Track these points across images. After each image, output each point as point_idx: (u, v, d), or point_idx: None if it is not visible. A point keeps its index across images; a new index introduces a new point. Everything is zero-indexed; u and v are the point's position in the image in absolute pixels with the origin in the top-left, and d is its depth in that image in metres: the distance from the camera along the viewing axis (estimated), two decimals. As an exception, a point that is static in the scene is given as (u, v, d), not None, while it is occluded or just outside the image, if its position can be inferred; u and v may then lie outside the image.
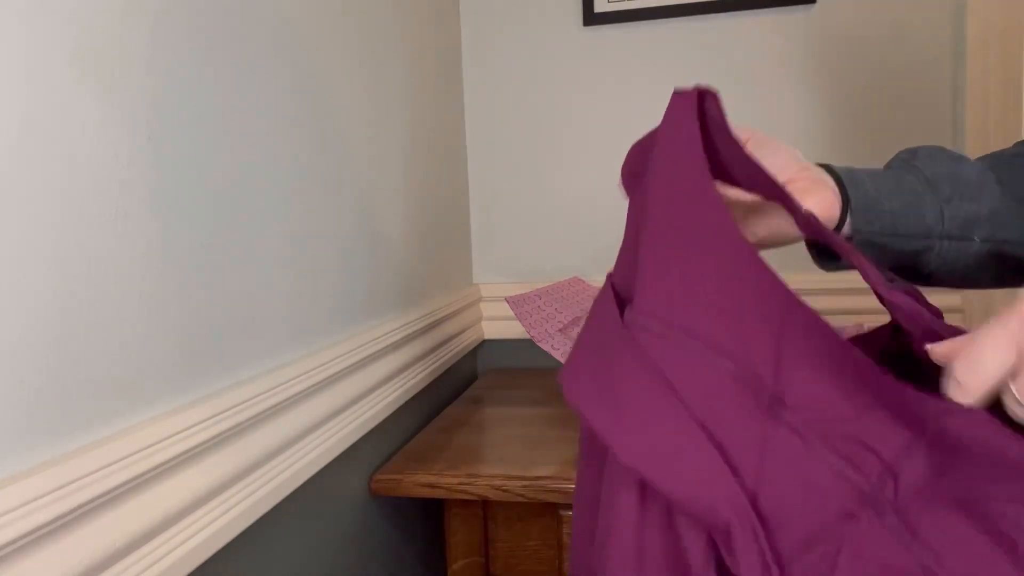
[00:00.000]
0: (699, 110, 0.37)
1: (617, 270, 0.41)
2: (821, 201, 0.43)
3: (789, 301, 0.33)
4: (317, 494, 0.65)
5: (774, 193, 0.37)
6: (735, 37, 1.16)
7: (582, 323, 1.01)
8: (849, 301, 1.00)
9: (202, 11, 0.51)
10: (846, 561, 0.29)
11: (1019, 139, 0.52)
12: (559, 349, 0.95)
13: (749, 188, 0.40)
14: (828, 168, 0.46)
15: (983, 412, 0.28)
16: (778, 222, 0.44)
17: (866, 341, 0.39)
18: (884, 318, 0.37)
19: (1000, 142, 0.91)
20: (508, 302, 1.00)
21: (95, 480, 0.38)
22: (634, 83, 1.19)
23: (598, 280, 1.21)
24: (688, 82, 1.17)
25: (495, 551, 0.79)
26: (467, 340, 1.16)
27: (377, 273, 0.83)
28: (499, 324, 1.27)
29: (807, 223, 0.37)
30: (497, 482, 0.73)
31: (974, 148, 0.99)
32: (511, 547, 0.79)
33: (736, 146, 0.37)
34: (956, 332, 0.31)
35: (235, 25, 0.55)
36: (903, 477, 0.30)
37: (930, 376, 0.31)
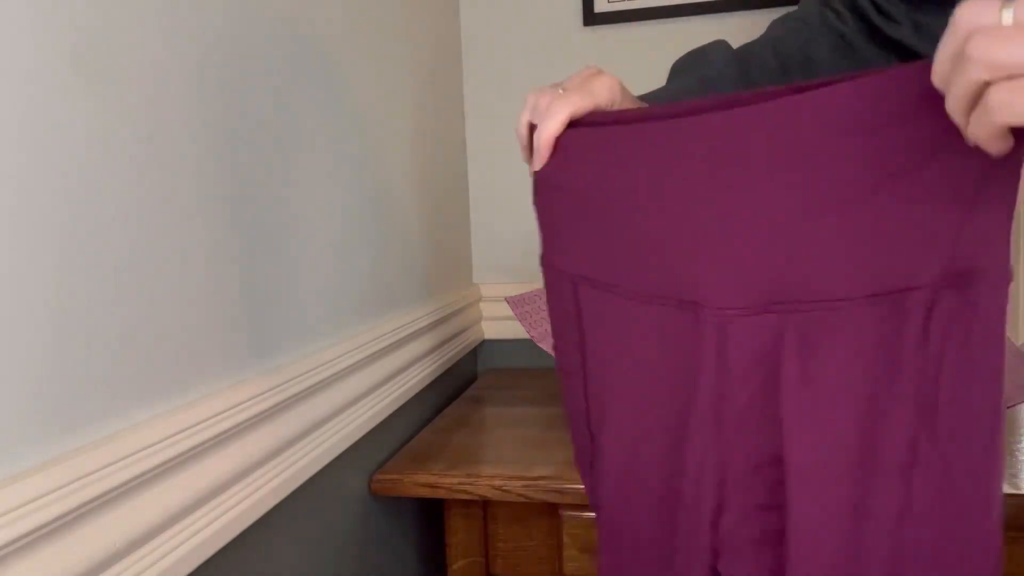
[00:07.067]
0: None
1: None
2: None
3: None
4: (317, 494, 0.65)
5: None
6: (735, 37, 1.15)
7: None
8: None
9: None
10: None
11: None
12: (559, 349, 0.95)
13: None
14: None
15: None
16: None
17: None
18: None
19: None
20: (508, 302, 1.00)
21: (96, 479, 0.38)
22: (634, 83, 1.19)
23: (598, 280, 1.21)
24: (688, 82, 1.17)
25: (495, 551, 0.79)
26: (467, 340, 1.16)
27: (377, 273, 0.83)
28: (499, 324, 1.27)
29: None
30: (497, 482, 0.73)
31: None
32: (511, 547, 0.79)
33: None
34: None
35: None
36: None
37: None
